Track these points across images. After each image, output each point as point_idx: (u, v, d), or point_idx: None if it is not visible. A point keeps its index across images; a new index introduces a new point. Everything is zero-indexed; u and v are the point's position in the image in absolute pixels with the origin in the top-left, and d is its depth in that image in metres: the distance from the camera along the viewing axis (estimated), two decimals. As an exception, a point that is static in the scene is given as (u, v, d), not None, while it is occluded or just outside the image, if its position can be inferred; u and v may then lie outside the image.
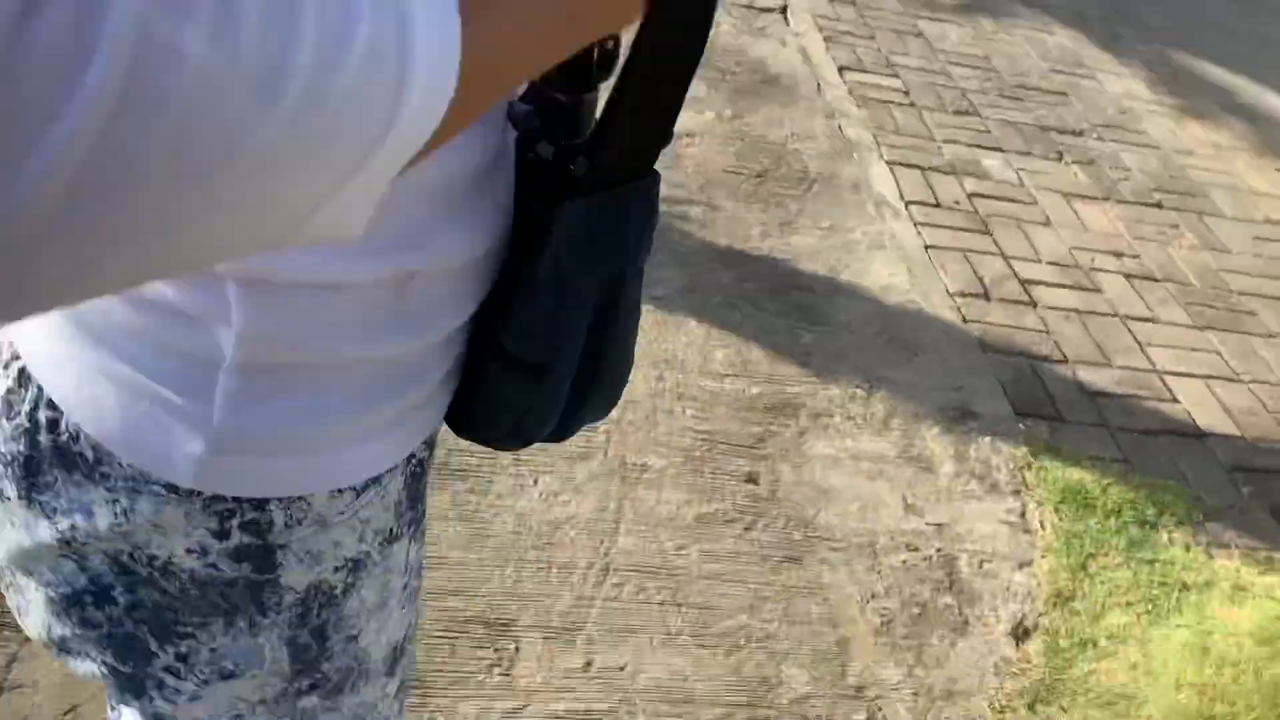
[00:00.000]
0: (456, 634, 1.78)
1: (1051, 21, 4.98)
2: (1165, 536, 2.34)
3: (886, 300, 2.87)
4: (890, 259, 3.02)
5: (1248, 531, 2.43)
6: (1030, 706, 1.89)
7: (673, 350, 2.50)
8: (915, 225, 3.21)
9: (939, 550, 2.19)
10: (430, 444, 0.70)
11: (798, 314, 2.73)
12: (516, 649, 1.79)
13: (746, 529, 2.12)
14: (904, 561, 2.14)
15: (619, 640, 1.84)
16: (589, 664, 1.79)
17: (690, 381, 2.43)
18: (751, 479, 2.23)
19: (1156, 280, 3.31)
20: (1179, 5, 5.68)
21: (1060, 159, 3.85)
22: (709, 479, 2.20)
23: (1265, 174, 4.20)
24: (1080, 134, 4.07)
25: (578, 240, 0.61)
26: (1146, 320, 3.11)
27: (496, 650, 1.78)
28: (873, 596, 2.05)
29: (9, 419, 0.60)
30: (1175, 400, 2.82)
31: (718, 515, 2.12)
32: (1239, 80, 4.98)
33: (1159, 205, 3.75)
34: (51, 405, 0.59)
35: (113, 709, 0.71)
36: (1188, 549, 2.32)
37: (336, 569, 0.64)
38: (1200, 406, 2.82)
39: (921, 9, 4.66)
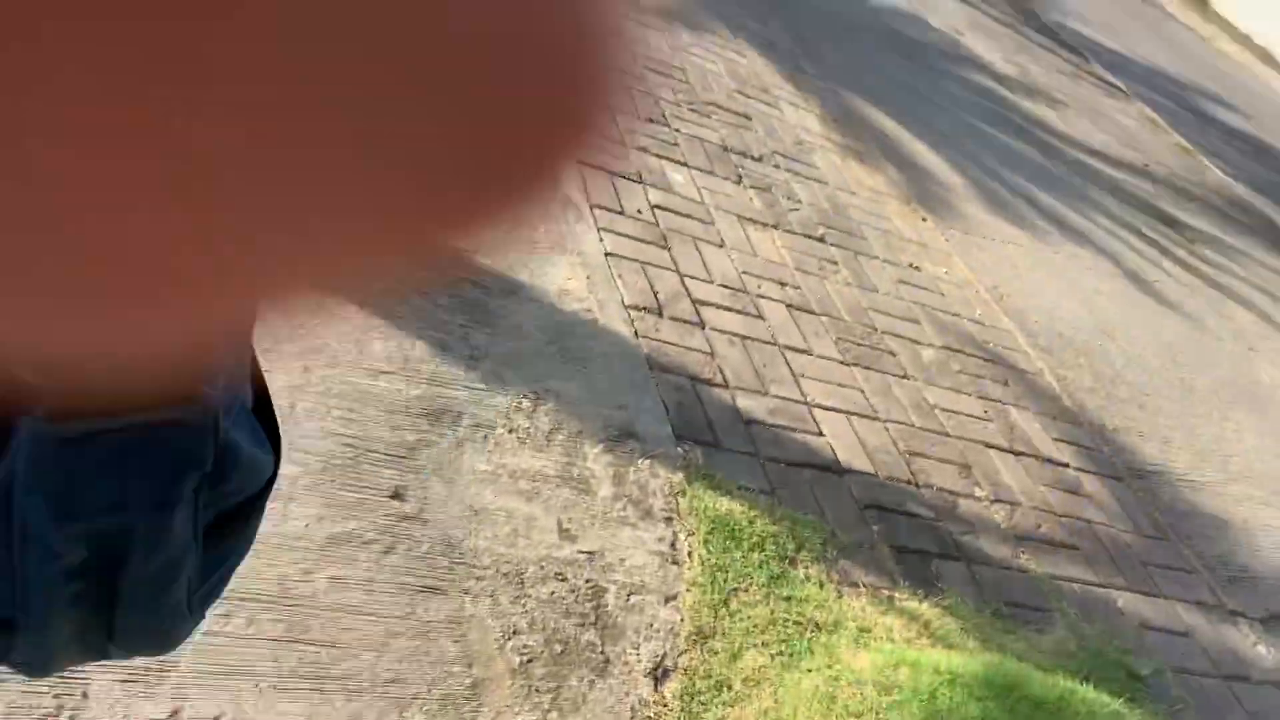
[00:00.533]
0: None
1: (745, 45, 5.12)
2: (802, 573, 2.40)
3: (563, 306, 2.75)
4: (571, 263, 2.91)
5: (874, 570, 2.55)
6: (663, 755, 1.84)
7: (324, 337, 2.23)
8: (599, 230, 3.12)
9: (588, 581, 2.09)
10: None
11: (469, 311, 2.54)
12: (84, 695, 1.47)
13: (386, 551, 1.90)
14: (552, 593, 2.02)
15: (217, 684, 1.57)
16: (175, 714, 1.51)
17: (340, 376, 2.17)
18: (398, 494, 2.02)
19: (814, 313, 3.45)
20: (855, 50, 6.06)
21: (739, 181, 3.93)
22: (350, 492, 1.96)
23: (911, 221, 4.54)
24: (759, 159, 4.18)
25: (45, 481, 0.41)
26: (802, 351, 3.22)
27: (57, 697, 1.45)
28: (515, 632, 1.91)
29: None
30: (820, 434, 2.92)
31: (354, 535, 1.89)
32: (897, 128, 5.37)
33: (822, 239, 3.93)
34: None
35: None
36: (821, 586, 2.39)
37: None
38: (841, 441, 2.94)
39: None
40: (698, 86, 4.42)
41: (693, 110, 4.20)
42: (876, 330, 3.58)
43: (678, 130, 3.97)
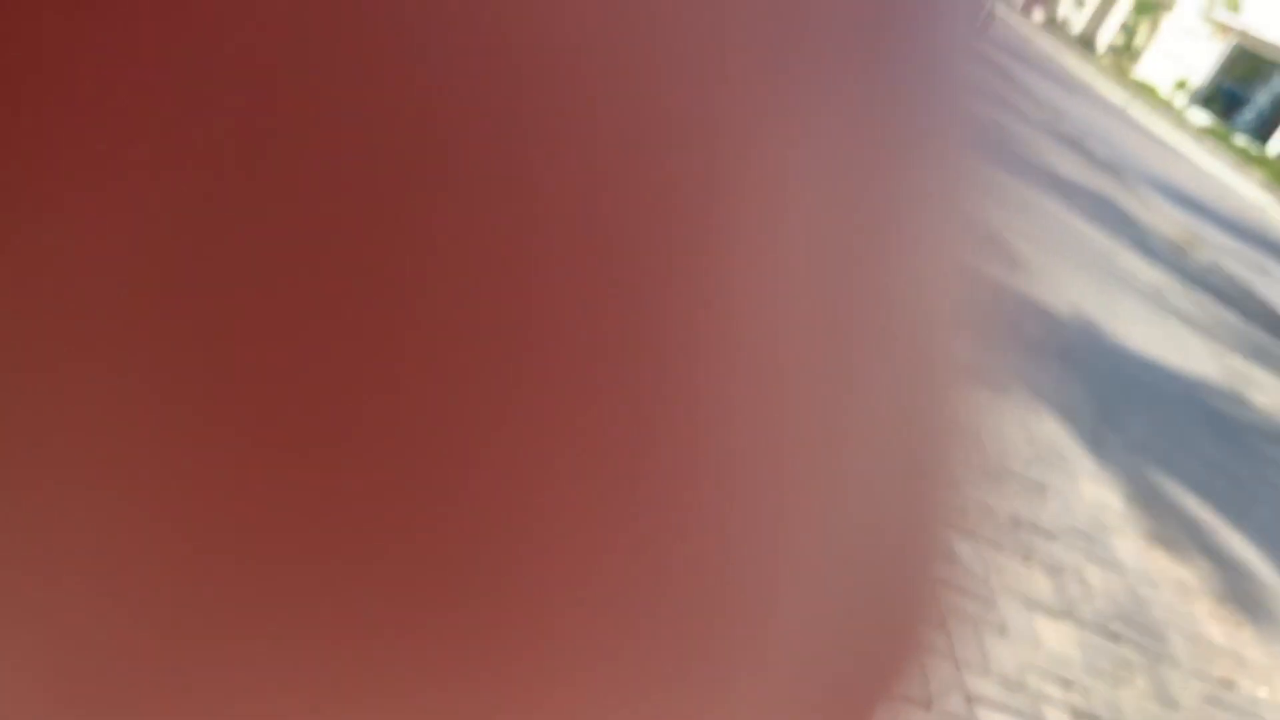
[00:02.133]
0: None
1: (1042, 409, 4.99)
2: None
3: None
4: (838, 635, 2.79)
5: None
6: None
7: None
8: (871, 602, 3.00)
9: None
10: None
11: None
12: None
13: None
14: None
15: None
16: None
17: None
18: None
19: (1104, 727, 3.08)
20: (1164, 424, 5.75)
21: (1027, 559, 3.70)
22: None
23: (1225, 625, 4.07)
24: (1052, 537, 3.95)
25: None
26: (1088, 773, 2.86)
27: None
28: None
29: None
30: None
31: None
32: (1210, 515, 4.95)
33: (1117, 637, 3.58)
34: None
35: None
36: None
37: None
38: None
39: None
40: (991, 451, 4.31)
41: (985, 476, 4.07)
42: (1178, 758, 3.14)
43: (968, 498, 3.84)
